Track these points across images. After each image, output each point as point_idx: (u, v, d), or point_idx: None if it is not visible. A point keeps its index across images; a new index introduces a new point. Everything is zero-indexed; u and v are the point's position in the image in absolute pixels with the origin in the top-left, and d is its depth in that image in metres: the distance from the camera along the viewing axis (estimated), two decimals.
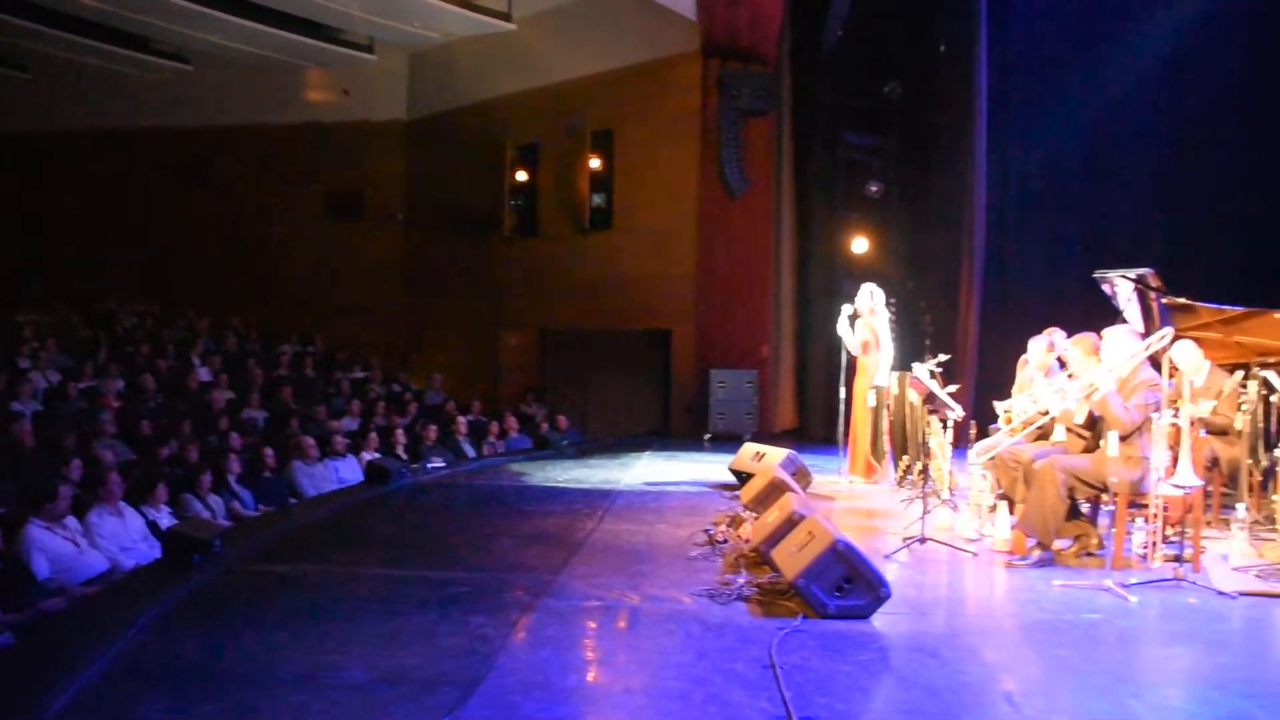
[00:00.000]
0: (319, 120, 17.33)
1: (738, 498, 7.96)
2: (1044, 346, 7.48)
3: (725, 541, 6.59)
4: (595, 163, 14.82)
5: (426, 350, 16.95)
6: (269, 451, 9.78)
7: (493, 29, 14.99)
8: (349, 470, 10.27)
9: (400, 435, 11.51)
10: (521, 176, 15.87)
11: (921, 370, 8.25)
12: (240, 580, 5.79)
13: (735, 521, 6.97)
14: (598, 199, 14.88)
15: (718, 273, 13.38)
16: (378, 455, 10.45)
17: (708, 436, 12.78)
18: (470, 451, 12.12)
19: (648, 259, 14.06)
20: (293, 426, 11.20)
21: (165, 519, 7.65)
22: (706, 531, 6.81)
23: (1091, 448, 6.31)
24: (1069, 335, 6.87)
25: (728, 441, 11.83)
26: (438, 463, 10.76)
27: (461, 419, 12.66)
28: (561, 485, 9.31)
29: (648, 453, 11.57)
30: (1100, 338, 6.34)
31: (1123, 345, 6.16)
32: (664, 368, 14.23)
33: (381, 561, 6.38)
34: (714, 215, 13.34)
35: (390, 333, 17.30)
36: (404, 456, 11.01)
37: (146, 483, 7.87)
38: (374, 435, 11.19)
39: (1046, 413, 6.56)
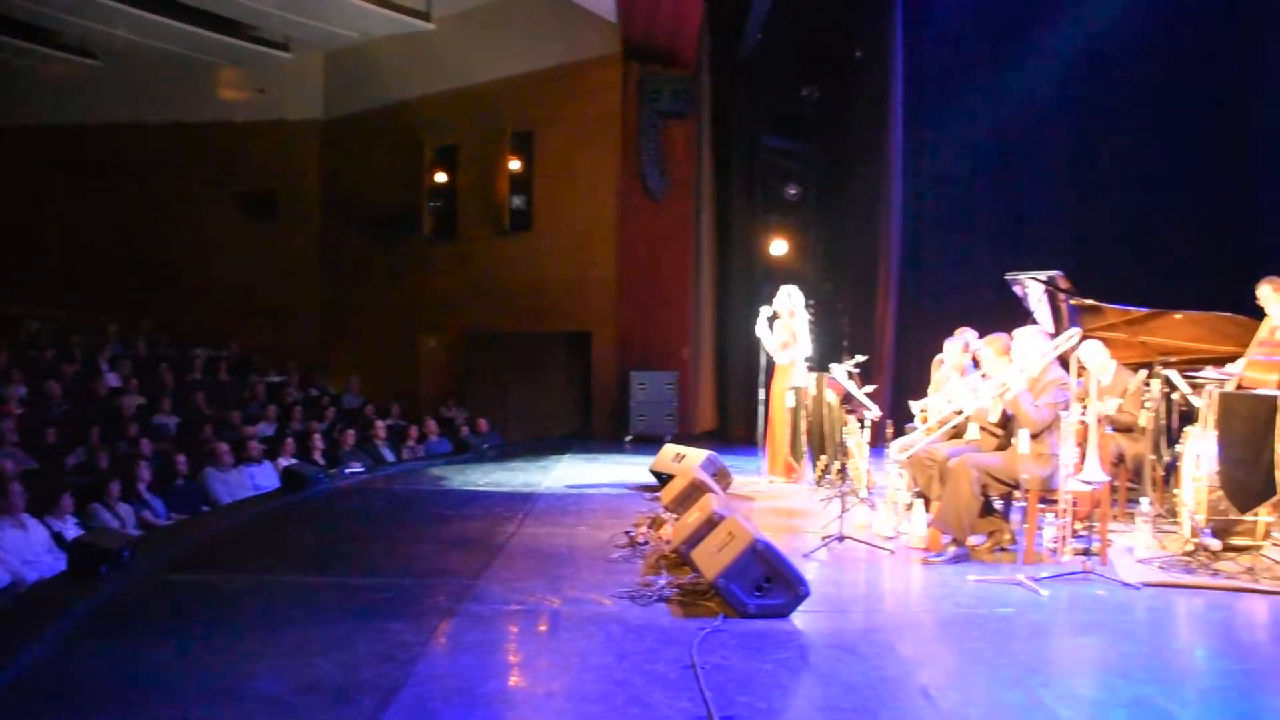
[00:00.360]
0: (233, 119, 16.89)
1: (658, 499, 7.95)
2: (959, 347, 7.60)
3: (646, 543, 6.60)
4: (515, 164, 14.69)
5: (344, 354, 16.67)
6: (181, 458, 9.57)
7: (412, 29, 14.84)
8: (265, 476, 10.09)
9: (318, 440, 11.34)
10: (440, 178, 15.65)
11: (839, 371, 8.38)
12: (150, 591, 5.64)
13: (656, 523, 7.00)
14: (518, 201, 14.75)
15: (638, 275, 13.41)
16: (294, 461, 10.28)
17: (628, 438, 12.81)
18: (389, 456, 11.98)
19: (568, 261, 14.02)
20: (206, 432, 10.97)
21: (71, 530, 7.42)
22: (627, 533, 6.82)
23: (1004, 445, 6.46)
24: (981, 336, 7.02)
25: (648, 443, 11.85)
26: (356, 468, 10.60)
27: (380, 423, 12.50)
28: (482, 489, 9.24)
29: (568, 455, 11.54)
30: (1012, 338, 6.50)
31: (1033, 345, 6.33)
32: (585, 370, 14.20)
33: (298, 569, 6.27)
34: (634, 217, 13.37)
35: (307, 336, 16.96)
36: (321, 462, 10.85)
37: (51, 493, 7.64)
38: (290, 440, 11.02)
39: (961, 412, 6.71)
